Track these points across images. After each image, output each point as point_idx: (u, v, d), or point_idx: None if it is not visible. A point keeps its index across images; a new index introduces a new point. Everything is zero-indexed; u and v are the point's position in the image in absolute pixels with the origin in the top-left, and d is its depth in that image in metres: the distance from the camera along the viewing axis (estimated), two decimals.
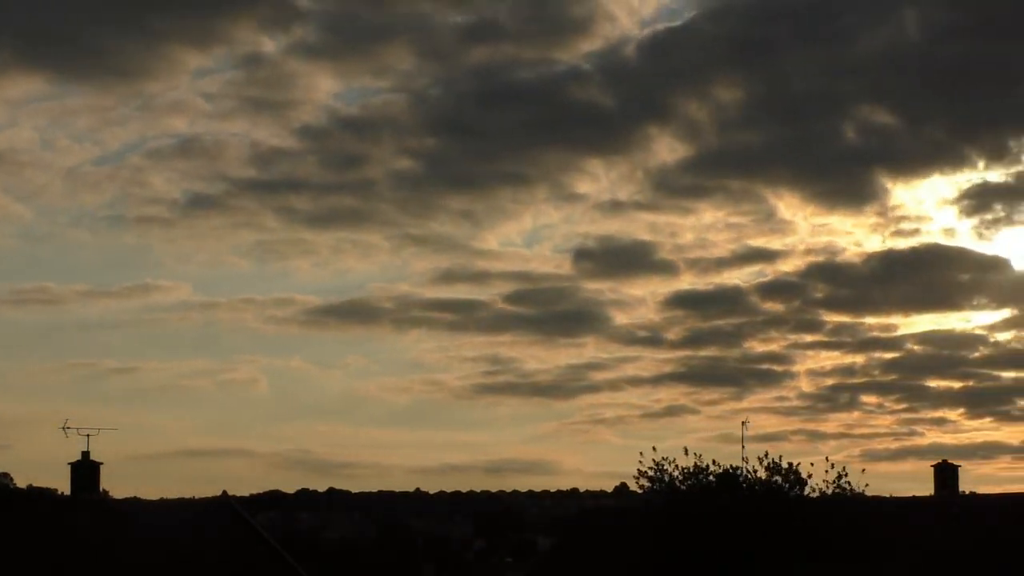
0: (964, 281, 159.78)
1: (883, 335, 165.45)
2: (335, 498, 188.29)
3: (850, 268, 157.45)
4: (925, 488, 41.34)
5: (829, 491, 33.61)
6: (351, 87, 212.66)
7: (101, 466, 39.36)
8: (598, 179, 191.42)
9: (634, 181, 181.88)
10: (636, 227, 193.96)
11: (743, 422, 36.54)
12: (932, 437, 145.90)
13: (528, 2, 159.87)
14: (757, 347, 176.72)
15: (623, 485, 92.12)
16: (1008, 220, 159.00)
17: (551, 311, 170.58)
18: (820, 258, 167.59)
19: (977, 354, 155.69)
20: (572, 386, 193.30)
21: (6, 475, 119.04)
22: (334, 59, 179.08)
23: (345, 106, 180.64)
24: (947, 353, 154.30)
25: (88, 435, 38.63)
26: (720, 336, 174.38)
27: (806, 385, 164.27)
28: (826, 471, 33.67)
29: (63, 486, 43.65)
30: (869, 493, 34.41)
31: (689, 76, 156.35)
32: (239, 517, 39.80)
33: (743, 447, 35.13)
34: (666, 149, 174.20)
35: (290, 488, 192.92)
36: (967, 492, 42.61)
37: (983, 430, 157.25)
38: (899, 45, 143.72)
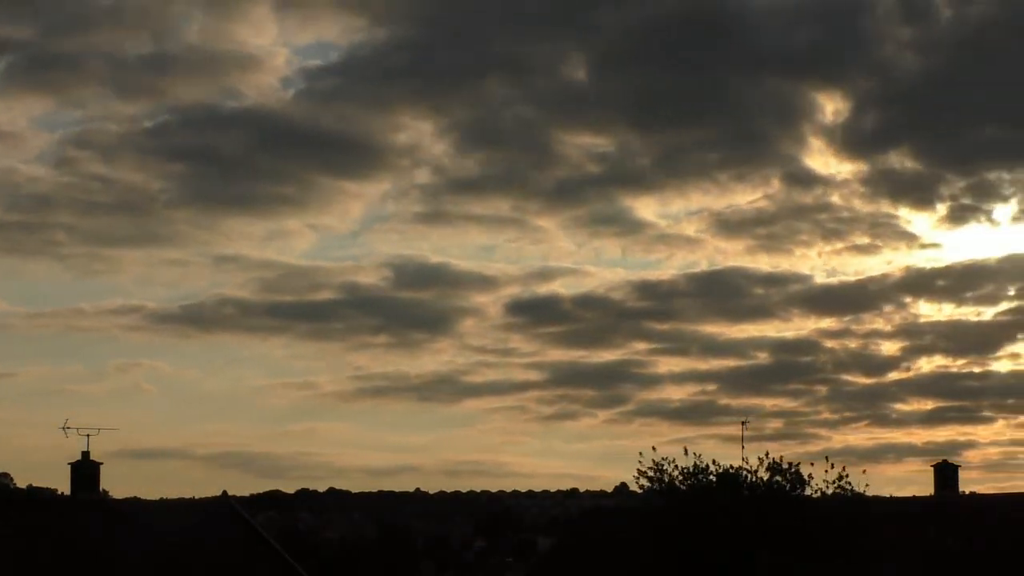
0: (769, 295, 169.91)
1: (723, 342, 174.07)
2: (335, 498, 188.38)
3: (658, 285, 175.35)
4: (925, 488, 41.42)
5: (829, 491, 33.58)
6: (58, 116, 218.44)
7: (101, 466, 39.37)
8: (361, 200, 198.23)
9: (396, 202, 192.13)
10: (423, 243, 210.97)
11: (743, 422, 36.52)
12: (838, 439, 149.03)
13: (194, 38, 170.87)
14: (606, 354, 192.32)
15: (623, 485, 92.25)
16: (779, 239, 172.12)
17: (394, 319, 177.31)
18: (619, 276, 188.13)
19: (822, 360, 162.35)
20: (450, 390, 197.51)
21: (6, 475, 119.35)
22: (38, 90, 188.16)
23: (66, 133, 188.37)
24: (788, 359, 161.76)
25: (88, 435, 38.66)
26: (568, 342, 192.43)
27: (677, 390, 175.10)
28: (826, 471, 33.70)
29: (63, 486, 43.68)
30: (869, 493, 34.41)
31: (396, 104, 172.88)
32: (239, 517, 39.80)
33: (743, 447, 35.14)
34: (414, 174, 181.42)
35: (290, 488, 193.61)
36: (967, 492, 42.67)
37: (874, 431, 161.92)
38: (582, 79, 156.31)
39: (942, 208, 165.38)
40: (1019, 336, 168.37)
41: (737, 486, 33.67)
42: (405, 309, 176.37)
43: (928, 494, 40.92)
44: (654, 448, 34.10)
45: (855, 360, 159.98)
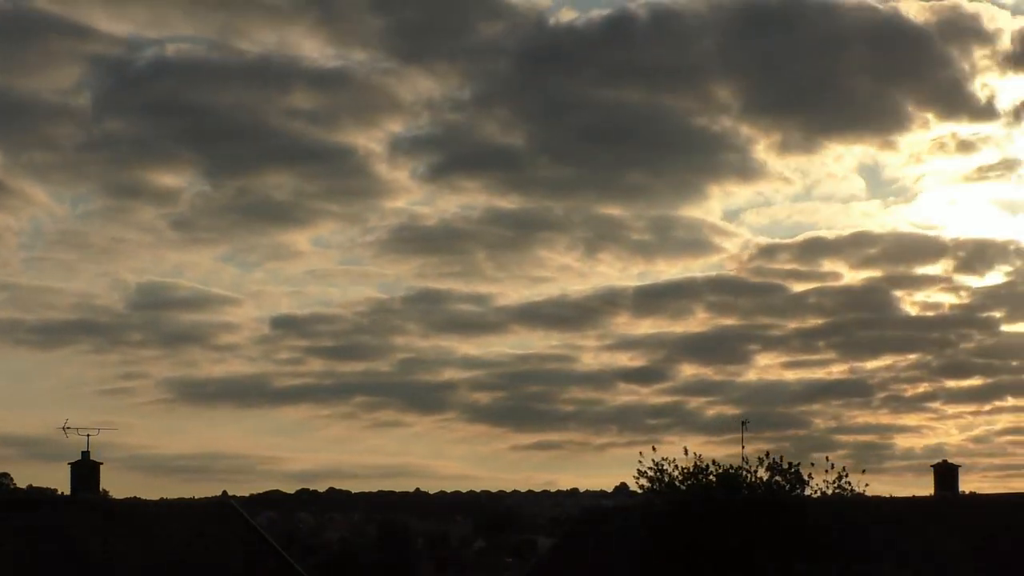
0: (485, 312, 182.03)
1: (469, 355, 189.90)
2: (335, 498, 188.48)
3: (382, 303, 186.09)
4: (925, 488, 41.39)
5: (829, 491, 33.59)
6: None
7: (101, 466, 39.37)
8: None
9: (42, 229, 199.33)
10: (114, 267, 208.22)
11: (743, 422, 36.50)
12: (667, 449, 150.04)
13: None
14: (381, 366, 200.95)
15: (623, 485, 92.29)
16: (450, 264, 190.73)
17: (156, 333, 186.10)
18: (338, 295, 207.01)
19: (577, 370, 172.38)
20: (262, 395, 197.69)
21: (6, 475, 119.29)
22: None
23: None
24: (546, 368, 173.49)
25: (88, 435, 38.67)
26: (338, 356, 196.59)
27: (480, 396, 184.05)
28: (826, 471, 33.72)
29: (63, 486, 43.68)
30: (869, 493, 34.42)
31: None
32: (239, 517, 39.82)
33: (743, 447, 35.15)
34: (34, 206, 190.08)
35: (290, 488, 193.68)
36: (967, 492, 42.65)
37: (690, 438, 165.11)
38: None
39: (585, 236, 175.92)
40: (752, 346, 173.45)
41: (737, 486, 33.69)
42: (159, 326, 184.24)
43: (928, 494, 40.92)
44: (654, 448, 34.20)
45: (616, 372, 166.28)
